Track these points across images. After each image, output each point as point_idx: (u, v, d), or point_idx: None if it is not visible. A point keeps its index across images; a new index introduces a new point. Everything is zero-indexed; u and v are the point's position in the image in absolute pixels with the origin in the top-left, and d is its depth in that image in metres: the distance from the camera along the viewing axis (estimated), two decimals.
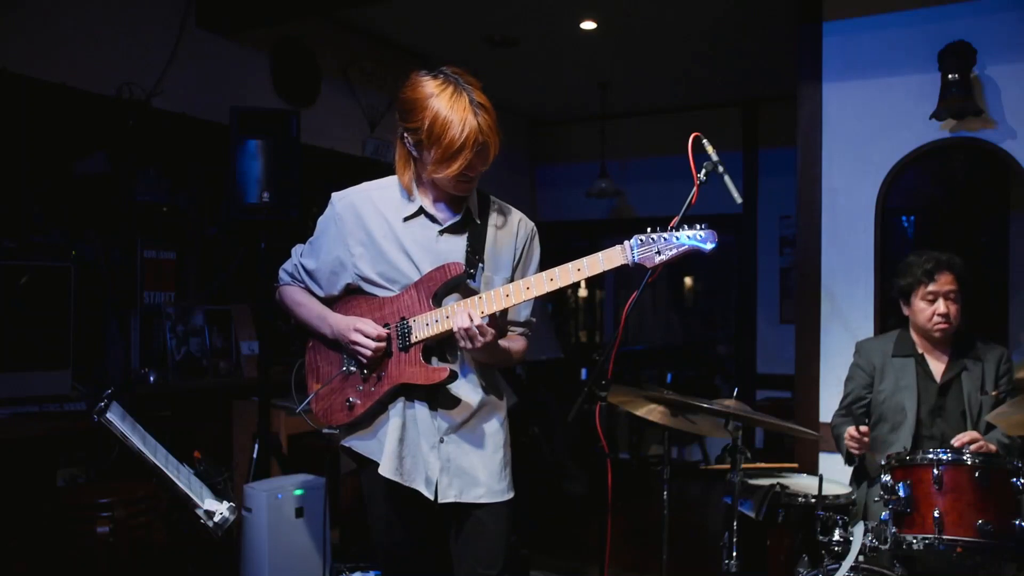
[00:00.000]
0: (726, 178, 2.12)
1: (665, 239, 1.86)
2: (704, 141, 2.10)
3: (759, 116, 6.78)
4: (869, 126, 3.64)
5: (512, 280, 2.09)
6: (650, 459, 6.95)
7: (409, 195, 2.09)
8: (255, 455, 3.75)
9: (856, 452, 2.87)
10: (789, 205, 4.10)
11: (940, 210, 3.93)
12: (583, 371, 7.33)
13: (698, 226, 1.88)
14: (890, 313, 3.56)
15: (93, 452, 3.43)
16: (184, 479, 1.94)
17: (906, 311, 2.98)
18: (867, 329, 3.56)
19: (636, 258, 1.87)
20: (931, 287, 2.87)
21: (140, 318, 4.03)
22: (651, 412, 2.86)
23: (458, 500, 2.03)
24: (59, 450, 3.38)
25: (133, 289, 4.00)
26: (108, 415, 1.90)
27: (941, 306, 2.86)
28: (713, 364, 7.62)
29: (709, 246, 1.86)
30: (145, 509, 3.08)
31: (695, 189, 2.09)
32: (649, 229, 1.88)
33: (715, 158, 2.11)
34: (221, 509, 1.89)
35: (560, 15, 4.91)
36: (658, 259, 1.86)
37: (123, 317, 3.94)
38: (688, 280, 8.01)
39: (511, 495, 2.10)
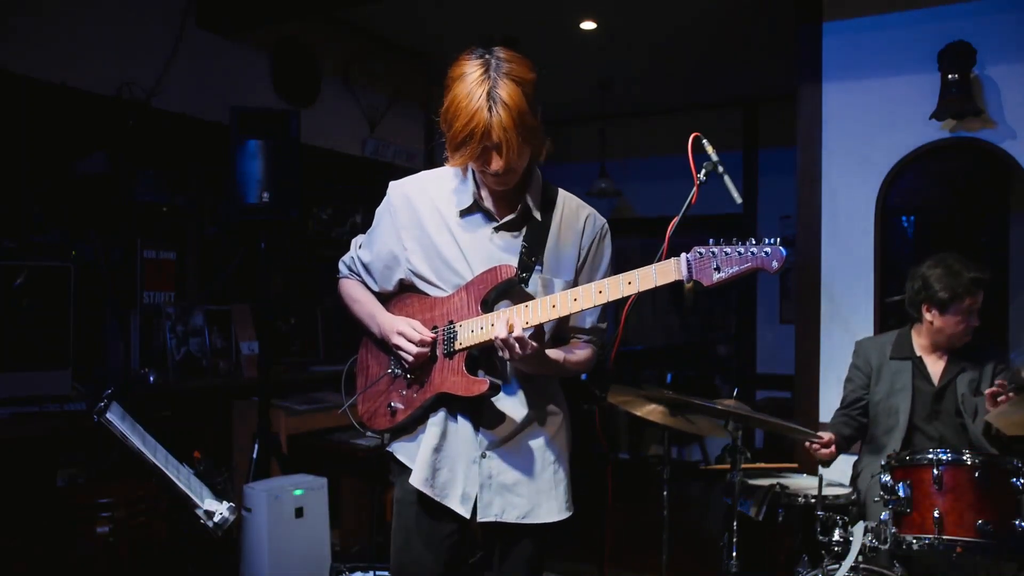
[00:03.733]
0: (726, 178, 2.11)
1: (727, 253, 1.65)
2: (704, 141, 2.10)
3: (759, 116, 6.79)
4: (869, 126, 3.64)
5: (576, 283, 1.94)
6: (650, 459, 6.95)
7: (463, 177, 1.96)
8: (255, 455, 3.75)
9: (824, 458, 2.90)
10: (789, 205, 4.11)
11: (940, 210, 3.94)
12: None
13: (767, 240, 1.65)
14: (890, 313, 3.56)
15: (93, 452, 3.43)
16: (184, 479, 1.94)
17: (929, 317, 2.88)
18: (867, 329, 3.56)
19: (692, 274, 1.67)
20: (969, 301, 2.79)
21: (140, 318, 4.02)
22: (651, 412, 2.86)
23: (499, 519, 1.90)
24: (59, 450, 3.37)
25: (133, 289, 4.00)
26: (108, 415, 1.90)
27: (975, 319, 2.83)
28: (713, 364, 7.62)
29: (775, 264, 1.63)
30: (145, 509, 3.08)
31: (695, 189, 2.08)
32: (712, 241, 1.68)
33: (715, 158, 2.11)
34: (221, 509, 1.88)
35: (560, 15, 4.91)
36: (716, 277, 1.66)
37: (123, 317, 3.94)
38: None
39: (564, 516, 1.96)
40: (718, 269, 1.66)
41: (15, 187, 3.50)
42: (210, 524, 1.87)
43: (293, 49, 4.82)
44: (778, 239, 1.64)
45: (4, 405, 3.21)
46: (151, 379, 3.89)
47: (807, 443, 2.94)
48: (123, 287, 3.94)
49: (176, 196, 4.22)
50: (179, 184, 4.23)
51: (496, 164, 1.81)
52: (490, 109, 1.75)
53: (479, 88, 1.76)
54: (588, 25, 5.07)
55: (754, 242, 1.65)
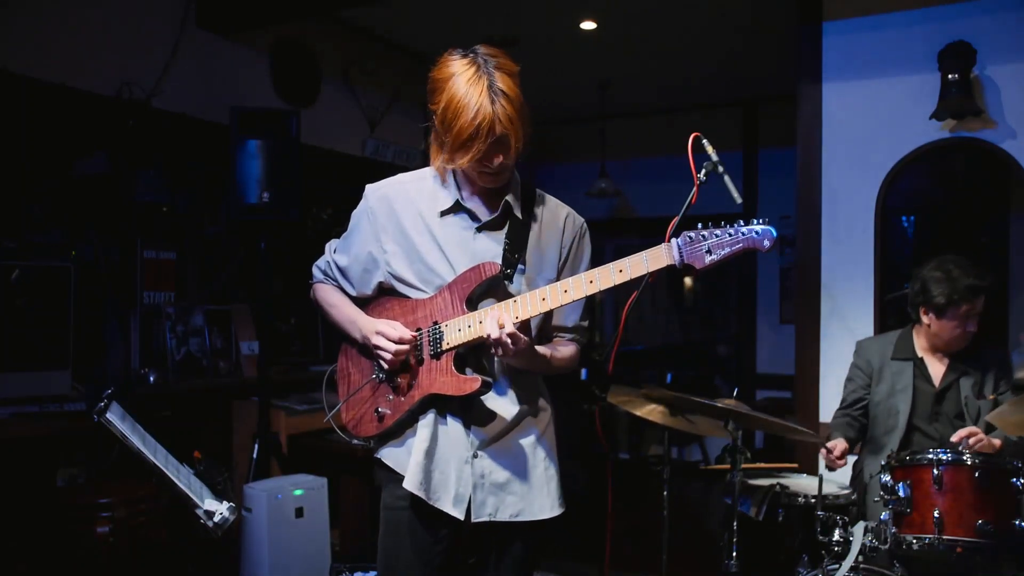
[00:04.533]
0: (726, 178, 2.11)
1: (717, 235, 1.67)
2: (704, 141, 2.09)
3: (759, 116, 6.79)
4: (869, 126, 3.64)
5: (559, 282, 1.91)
6: (650, 459, 6.95)
7: (443, 180, 1.94)
8: (255, 455, 3.75)
9: (837, 468, 2.88)
10: (789, 205, 4.11)
11: (940, 210, 3.94)
12: (583, 371, 7.32)
13: (756, 221, 1.67)
14: (890, 313, 3.56)
15: (93, 452, 3.43)
16: (184, 479, 1.94)
17: (926, 320, 2.87)
18: (867, 329, 3.56)
19: (684, 258, 1.67)
20: (966, 308, 2.77)
21: (140, 318, 4.03)
22: (651, 412, 2.86)
23: (493, 519, 1.89)
24: (59, 450, 3.38)
25: (133, 289, 4.00)
26: (108, 415, 1.90)
27: (973, 325, 2.81)
28: (713, 364, 7.61)
29: (767, 243, 1.66)
30: (145, 509, 3.08)
31: (695, 189, 2.08)
32: (700, 224, 1.69)
33: (715, 158, 2.10)
34: (221, 509, 1.88)
35: (560, 15, 4.91)
36: (708, 259, 1.67)
37: (123, 317, 3.94)
38: (688, 280, 8.01)
39: (557, 512, 1.96)
40: (710, 252, 1.67)
41: (15, 187, 3.51)
42: (210, 524, 1.87)
43: (293, 49, 4.82)
44: (766, 219, 1.67)
45: (4, 405, 3.21)
46: (151, 379, 3.89)
47: (821, 450, 2.91)
48: (123, 287, 3.94)
49: (176, 196, 4.23)
50: (179, 184, 4.24)
51: (501, 158, 1.81)
52: (493, 102, 1.75)
53: (477, 84, 1.76)
54: (588, 25, 5.07)
55: (743, 223, 1.67)
